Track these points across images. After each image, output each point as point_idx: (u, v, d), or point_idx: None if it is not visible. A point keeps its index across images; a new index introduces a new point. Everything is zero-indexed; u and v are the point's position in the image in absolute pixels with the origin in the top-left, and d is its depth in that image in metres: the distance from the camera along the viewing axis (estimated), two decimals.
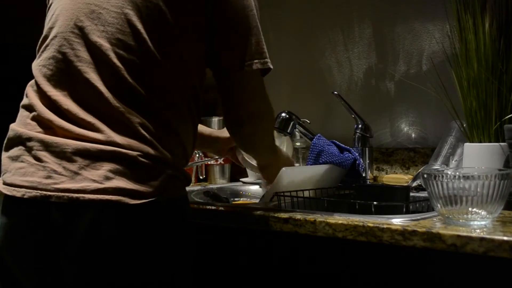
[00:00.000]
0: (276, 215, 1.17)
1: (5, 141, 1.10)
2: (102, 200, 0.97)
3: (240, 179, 1.98)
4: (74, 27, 1.07)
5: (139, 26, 1.04)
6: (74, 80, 1.05)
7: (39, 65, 1.09)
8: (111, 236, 0.98)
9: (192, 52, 1.10)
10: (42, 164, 1.02)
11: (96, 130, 1.01)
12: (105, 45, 1.04)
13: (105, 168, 0.99)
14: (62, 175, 1.00)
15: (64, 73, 1.06)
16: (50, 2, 1.17)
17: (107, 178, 0.98)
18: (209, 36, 1.12)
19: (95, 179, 0.98)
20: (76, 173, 0.99)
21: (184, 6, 1.07)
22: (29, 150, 1.04)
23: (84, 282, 1.00)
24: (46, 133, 1.04)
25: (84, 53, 1.05)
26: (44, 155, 1.02)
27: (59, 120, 1.03)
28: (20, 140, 1.06)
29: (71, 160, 1.00)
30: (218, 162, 2.00)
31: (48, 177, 1.00)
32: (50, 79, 1.07)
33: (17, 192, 1.02)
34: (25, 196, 1.01)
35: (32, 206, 1.01)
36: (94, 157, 1.00)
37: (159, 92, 1.06)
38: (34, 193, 1.00)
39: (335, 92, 1.74)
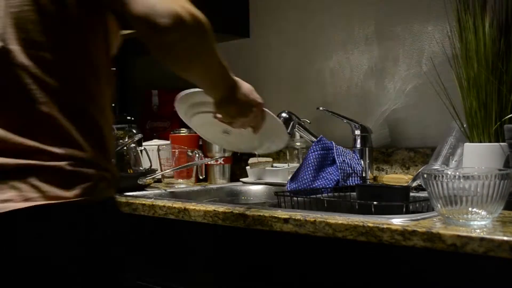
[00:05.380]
0: (276, 215, 1.17)
1: None
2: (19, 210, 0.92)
3: (240, 179, 1.98)
4: None
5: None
6: None
7: None
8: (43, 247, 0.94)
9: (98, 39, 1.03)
10: None
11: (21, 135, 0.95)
12: (16, 48, 0.96)
13: (32, 178, 0.94)
14: None
15: None
16: None
17: (33, 186, 0.94)
18: None
19: (23, 187, 0.93)
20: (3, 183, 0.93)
21: None
22: None
23: None
24: None
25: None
26: None
27: None
28: None
29: None
30: (218, 162, 2.00)
31: None
32: None
33: None
34: None
35: None
36: (20, 169, 0.94)
37: (75, 85, 0.99)
38: None
39: (321, 108, 1.75)
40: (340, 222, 1.08)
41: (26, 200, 0.92)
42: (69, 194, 0.95)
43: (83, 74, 1.01)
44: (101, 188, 1.00)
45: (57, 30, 0.99)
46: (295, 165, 1.83)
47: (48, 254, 0.94)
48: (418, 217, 1.08)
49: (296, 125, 1.73)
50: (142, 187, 1.77)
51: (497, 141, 1.29)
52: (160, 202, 1.44)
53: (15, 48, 0.96)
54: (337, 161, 1.61)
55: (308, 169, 1.61)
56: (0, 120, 0.96)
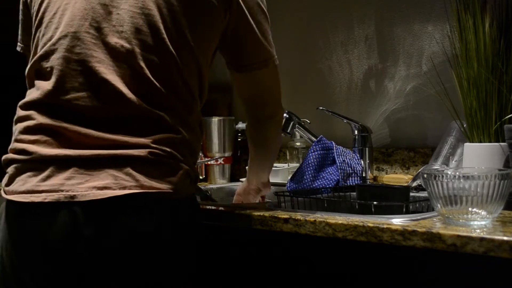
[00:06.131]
0: (276, 215, 1.17)
1: (7, 158, 1.06)
2: (131, 195, 0.97)
3: (240, 179, 1.98)
4: (89, 28, 1.04)
5: (160, 25, 1.04)
6: (90, 81, 1.02)
7: (43, 66, 1.05)
8: (141, 233, 0.99)
9: (204, 51, 1.13)
10: (57, 171, 0.99)
11: (115, 132, 1.00)
12: (126, 45, 1.03)
13: (127, 168, 0.99)
14: (85, 174, 0.98)
15: (79, 74, 1.03)
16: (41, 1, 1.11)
17: (129, 175, 0.98)
18: (225, 36, 1.16)
19: (119, 175, 0.98)
20: (100, 171, 0.98)
21: (201, 7, 1.10)
22: (38, 165, 1.00)
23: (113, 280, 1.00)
24: (53, 145, 1.01)
25: (101, 54, 1.03)
26: (52, 169, 0.99)
27: (72, 126, 1.01)
28: (29, 159, 1.01)
29: (89, 167, 0.99)
30: (218, 162, 2.00)
31: (70, 178, 0.98)
32: (60, 80, 1.03)
33: (36, 198, 0.97)
34: (46, 200, 0.97)
35: (55, 210, 0.97)
36: (116, 159, 0.99)
37: (176, 90, 1.07)
38: (56, 195, 0.97)
39: (321, 108, 1.75)
40: (340, 222, 1.07)
41: (123, 188, 0.97)
42: (162, 185, 1.00)
43: (188, 92, 1.10)
44: (187, 184, 1.06)
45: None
46: (295, 165, 1.84)
47: (143, 237, 0.99)
48: (418, 217, 1.08)
49: (296, 125, 1.73)
50: None
51: (497, 141, 1.28)
52: None
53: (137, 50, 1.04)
54: (337, 161, 1.61)
55: (308, 169, 1.61)
56: (97, 121, 1.02)
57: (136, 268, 1.00)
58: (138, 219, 0.99)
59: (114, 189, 0.97)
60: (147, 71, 1.03)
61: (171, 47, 1.05)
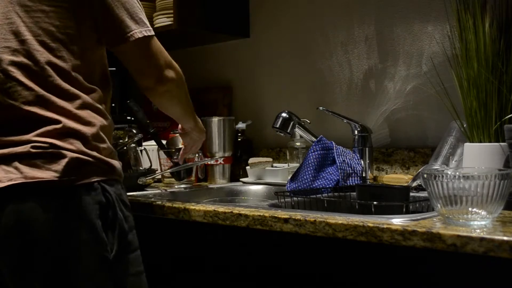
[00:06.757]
0: (276, 215, 1.17)
1: None
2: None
3: (240, 179, 1.98)
4: None
5: (22, 28, 1.15)
6: None
7: None
8: (27, 220, 1.09)
9: (77, 33, 1.20)
10: None
11: (3, 134, 1.13)
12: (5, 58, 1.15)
13: (15, 162, 1.11)
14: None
15: None
16: None
17: (16, 168, 1.10)
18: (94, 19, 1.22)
19: (9, 169, 1.10)
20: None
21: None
22: None
23: None
24: None
25: None
26: None
27: None
28: None
29: None
30: (218, 162, 2.00)
31: None
32: None
33: None
34: None
35: None
36: (5, 157, 1.11)
37: (50, 83, 1.15)
38: None
39: (320, 108, 1.75)
40: (340, 222, 1.08)
41: (10, 180, 1.10)
42: (44, 174, 1.10)
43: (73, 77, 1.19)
44: (83, 171, 1.13)
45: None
46: (295, 165, 1.83)
47: (22, 226, 1.10)
48: (418, 217, 1.08)
49: (296, 125, 1.73)
50: (142, 187, 1.77)
51: (497, 141, 1.29)
52: (160, 202, 1.44)
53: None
54: (337, 161, 1.61)
55: (308, 169, 1.61)
56: None
57: (20, 252, 1.10)
58: (23, 208, 1.09)
59: (4, 182, 1.09)
60: (16, 74, 1.14)
61: (37, 44, 1.15)
